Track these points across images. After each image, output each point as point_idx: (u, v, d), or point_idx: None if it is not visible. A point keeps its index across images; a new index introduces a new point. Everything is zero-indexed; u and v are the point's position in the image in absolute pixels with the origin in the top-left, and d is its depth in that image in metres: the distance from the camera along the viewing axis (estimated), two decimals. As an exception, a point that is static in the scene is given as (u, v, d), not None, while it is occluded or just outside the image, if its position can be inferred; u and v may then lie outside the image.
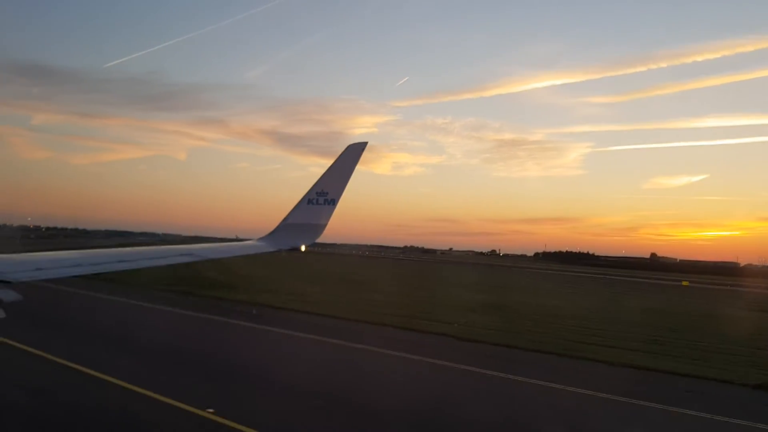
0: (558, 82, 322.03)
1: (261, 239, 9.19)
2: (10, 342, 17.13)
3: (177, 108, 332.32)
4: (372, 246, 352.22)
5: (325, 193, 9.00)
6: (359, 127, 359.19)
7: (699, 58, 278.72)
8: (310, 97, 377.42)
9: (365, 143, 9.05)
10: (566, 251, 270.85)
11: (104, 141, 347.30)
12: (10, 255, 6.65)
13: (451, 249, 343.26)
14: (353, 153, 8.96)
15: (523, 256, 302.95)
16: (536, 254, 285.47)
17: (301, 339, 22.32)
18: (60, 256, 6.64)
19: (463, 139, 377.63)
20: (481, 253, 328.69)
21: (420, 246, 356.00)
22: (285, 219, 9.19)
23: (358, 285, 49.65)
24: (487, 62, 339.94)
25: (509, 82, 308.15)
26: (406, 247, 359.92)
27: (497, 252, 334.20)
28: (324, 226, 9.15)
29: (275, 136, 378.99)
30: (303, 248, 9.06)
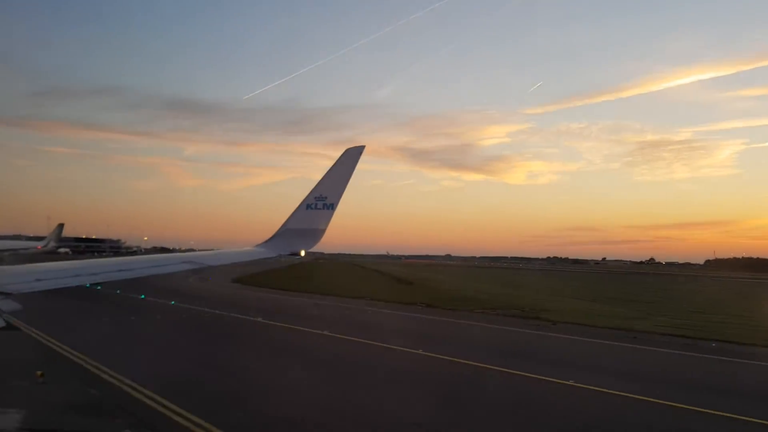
0: (704, 76, 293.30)
1: (260, 245, 8.98)
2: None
3: (312, 131, 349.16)
4: (512, 258, 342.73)
5: (323, 198, 8.84)
6: (490, 138, 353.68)
7: None
8: (440, 110, 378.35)
9: (363, 147, 8.85)
10: (743, 257, 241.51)
11: (248, 166, 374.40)
12: (11, 266, 6.90)
13: (604, 259, 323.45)
14: (351, 157, 8.78)
15: (688, 264, 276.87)
16: (707, 261, 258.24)
17: None
18: (59, 266, 6.71)
19: (602, 143, 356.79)
20: (640, 262, 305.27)
21: (563, 257, 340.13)
22: (284, 224, 8.98)
23: (647, 305, 44.62)
24: (623, 61, 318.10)
25: (649, 81, 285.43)
26: (549, 258, 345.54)
27: (655, 260, 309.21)
28: (323, 230, 8.92)
29: (407, 152, 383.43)
30: (302, 253, 8.86)
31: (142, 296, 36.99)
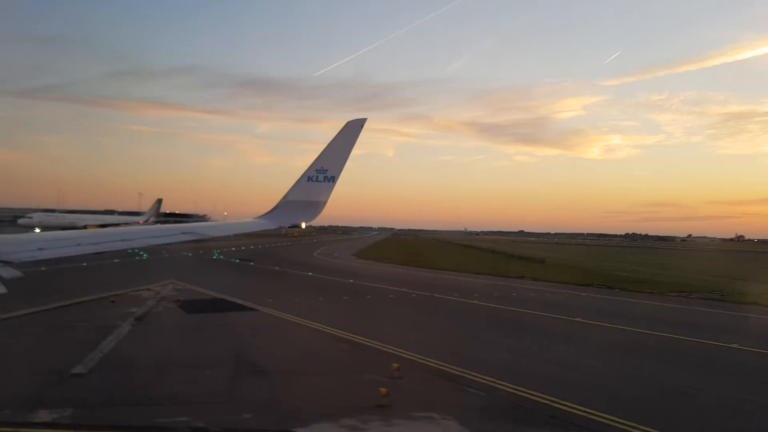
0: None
1: (261, 217, 8.85)
2: None
3: (382, 107, 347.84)
4: (589, 234, 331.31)
5: (324, 170, 8.69)
6: (565, 111, 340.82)
7: None
8: (512, 84, 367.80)
9: (365, 119, 8.80)
10: None
11: (317, 143, 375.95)
12: (14, 235, 7.08)
13: (690, 236, 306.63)
14: (352, 129, 8.74)
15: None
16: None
17: None
18: (61, 235, 6.79)
19: (683, 115, 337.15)
20: (730, 239, 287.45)
21: (642, 233, 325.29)
22: (285, 196, 8.81)
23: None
24: (707, 29, 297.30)
25: (735, 49, 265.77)
26: (628, 234, 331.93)
27: (744, 238, 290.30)
28: (324, 203, 8.79)
29: (478, 127, 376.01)
30: (303, 225, 8.76)
31: (310, 273, 36.36)
